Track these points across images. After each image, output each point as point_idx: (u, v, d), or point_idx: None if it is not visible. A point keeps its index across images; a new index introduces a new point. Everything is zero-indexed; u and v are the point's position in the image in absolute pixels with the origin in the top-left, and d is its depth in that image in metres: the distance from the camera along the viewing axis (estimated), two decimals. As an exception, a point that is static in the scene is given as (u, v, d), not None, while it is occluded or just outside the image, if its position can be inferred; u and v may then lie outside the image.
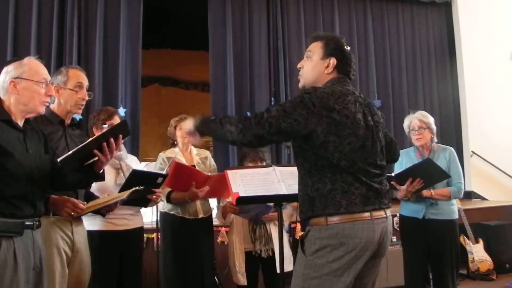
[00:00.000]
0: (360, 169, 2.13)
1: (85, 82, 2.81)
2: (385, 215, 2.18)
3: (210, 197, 3.81)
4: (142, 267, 3.52)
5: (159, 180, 3.19)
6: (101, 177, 2.48)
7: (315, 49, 2.37)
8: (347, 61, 2.34)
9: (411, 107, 4.86)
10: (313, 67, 2.36)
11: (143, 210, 3.60)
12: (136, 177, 2.97)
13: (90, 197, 2.80)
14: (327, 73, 2.33)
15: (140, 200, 3.21)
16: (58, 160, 2.27)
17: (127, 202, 2.98)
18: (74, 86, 2.74)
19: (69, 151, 2.44)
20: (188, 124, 2.37)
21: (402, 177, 3.55)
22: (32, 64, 2.27)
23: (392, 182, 3.50)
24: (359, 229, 2.08)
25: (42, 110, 2.29)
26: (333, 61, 2.31)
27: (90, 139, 2.37)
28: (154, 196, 3.30)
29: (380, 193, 2.17)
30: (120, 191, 2.90)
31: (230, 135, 2.16)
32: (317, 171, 2.16)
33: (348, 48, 2.37)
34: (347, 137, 2.11)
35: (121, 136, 2.37)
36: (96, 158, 2.33)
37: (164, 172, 3.37)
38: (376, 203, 2.14)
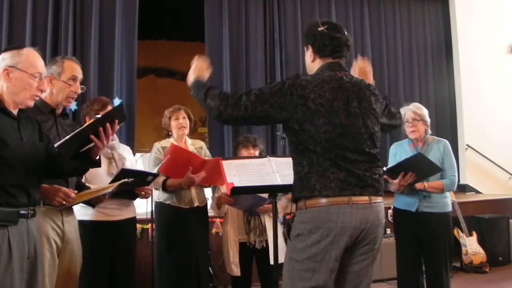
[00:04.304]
0: (338, 156, 2.13)
1: (79, 75, 2.76)
2: (369, 202, 2.15)
3: (205, 184, 3.80)
4: (134, 257, 3.51)
5: (149, 178, 3.18)
6: (98, 164, 2.47)
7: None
8: (322, 42, 2.30)
9: (407, 100, 4.87)
10: (305, 60, 2.43)
11: (138, 200, 3.59)
12: (124, 176, 2.92)
13: (81, 187, 2.77)
14: (311, 62, 2.36)
15: (127, 192, 3.20)
16: (55, 145, 2.26)
17: (115, 195, 2.96)
18: (68, 78, 2.69)
19: (60, 140, 2.42)
20: (189, 75, 2.42)
21: (393, 171, 3.55)
22: (30, 56, 2.25)
23: (384, 176, 3.50)
24: (334, 213, 2.09)
25: (31, 103, 2.26)
26: (310, 48, 2.35)
27: (86, 124, 2.36)
28: (143, 193, 3.30)
29: (363, 179, 2.15)
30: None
31: (210, 110, 2.22)
32: (298, 155, 2.20)
33: (323, 27, 2.30)
34: (322, 125, 2.13)
35: (117, 121, 2.36)
36: (92, 144, 2.32)
37: (155, 166, 3.36)
38: (357, 189, 2.13)
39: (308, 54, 2.38)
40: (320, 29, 2.31)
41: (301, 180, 2.17)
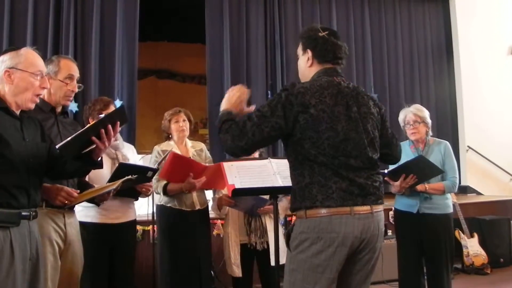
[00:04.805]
0: (341, 164, 2.10)
1: (76, 74, 2.73)
2: (370, 211, 2.12)
3: (206, 188, 3.80)
4: (134, 260, 3.51)
5: (149, 174, 3.16)
6: (100, 165, 2.47)
7: (298, 47, 2.40)
8: (324, 47, 2.27)
9: (407, 101, 4.88)
10: (299, 65, 2.40)
11: (139, 202, 3.59)
12: (123, 170, 2.91)
13: (84, 186, 2.76)
14: (309, 67, 2.32)
15: (130, 192, 3.20)
16: (57, 146, 2.25)
17: (117, 193, 2.95)
18: (64, 77, 2.67)
19: (61, 138, 2.42)
20: (222, 104, 2.36)
21: (395, 174, 3.54)
22: (29, 55, 2.25)
23: (385, 178, 3.49)
24: (336, 223, 2.05)
25: (32, 106, 2.25)
26: (309, 53, 2.31)
27: (88, 125, 2.36)
28: (144, 189, 3.29)
29: (365, 188, 2.12)
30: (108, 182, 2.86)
31: (224, 144, 2.18)
32: (299, 165, 2.16)
33: (324, 33, 2.28)
34: (325, 131, 2.10)
35: (118, 122, 2.35)
36: (94, 146, 2.31)
37: (155, 166, 3.35)
38: (359, 198, 2.10)
39: (305, 58, 2.33)
40: (321, 34, 2.28)
41: (302, 191, 2.13)
